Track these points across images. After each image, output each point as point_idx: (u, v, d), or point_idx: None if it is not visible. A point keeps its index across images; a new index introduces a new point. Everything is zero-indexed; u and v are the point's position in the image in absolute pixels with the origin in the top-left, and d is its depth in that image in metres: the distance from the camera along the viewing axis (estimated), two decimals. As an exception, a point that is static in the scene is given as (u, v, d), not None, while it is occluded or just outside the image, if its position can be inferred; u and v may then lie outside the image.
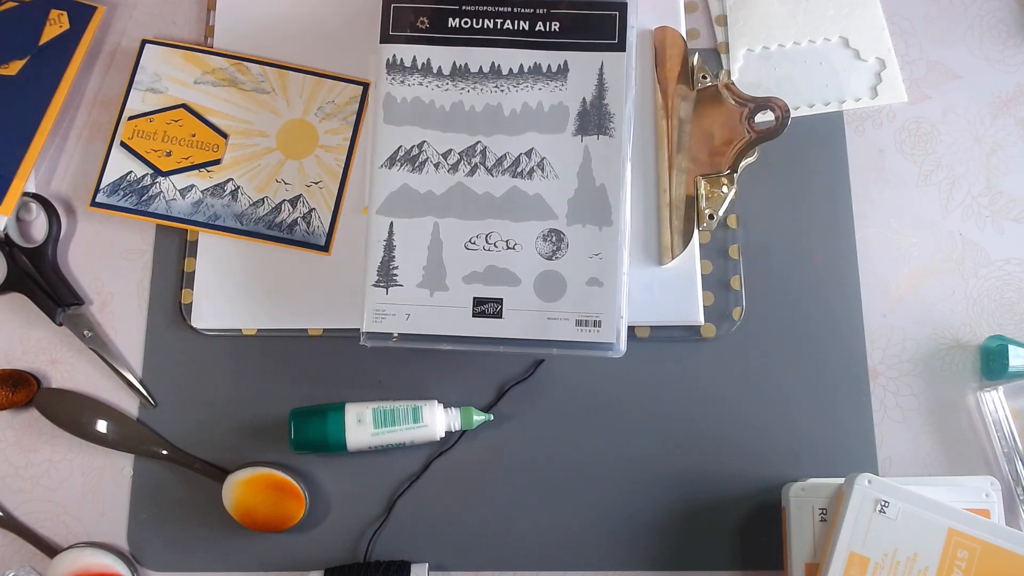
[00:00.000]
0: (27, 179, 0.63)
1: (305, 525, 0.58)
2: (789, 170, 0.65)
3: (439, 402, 0.59)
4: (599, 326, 0.55)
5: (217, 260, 0.63)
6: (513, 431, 0.60)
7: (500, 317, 0.55)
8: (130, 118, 0.64)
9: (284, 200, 0.63)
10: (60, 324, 0.61)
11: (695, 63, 0.64)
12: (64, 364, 0.62)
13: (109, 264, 0.64)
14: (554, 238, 0.55)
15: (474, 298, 0.55)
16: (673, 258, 0.61)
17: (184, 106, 0.64)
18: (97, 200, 0.63)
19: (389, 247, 0.56)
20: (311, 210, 0.62)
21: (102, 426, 0.60)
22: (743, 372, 0.62)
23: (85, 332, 0.61)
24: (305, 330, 0.62)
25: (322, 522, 0.59)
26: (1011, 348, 0.60)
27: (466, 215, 0.56)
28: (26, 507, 0.60)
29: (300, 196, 0.63)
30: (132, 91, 0.65)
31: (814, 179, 0.65)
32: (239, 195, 0.63)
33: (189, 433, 0.60)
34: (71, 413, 0.60)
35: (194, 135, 0.63)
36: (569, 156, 0.56)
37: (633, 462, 0.60)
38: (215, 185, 0.63)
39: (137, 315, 0.63)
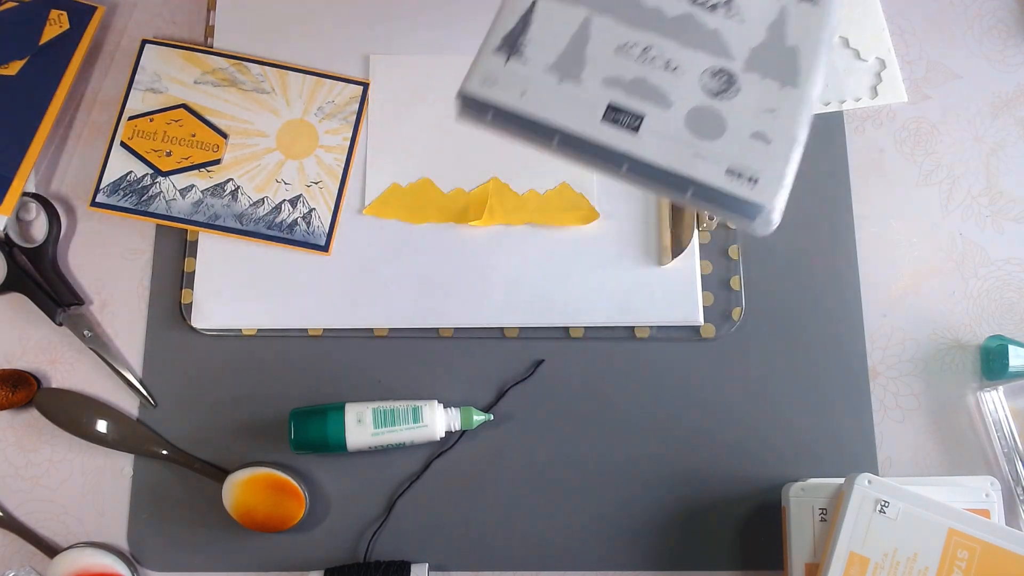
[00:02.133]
0: (27, 179, 0.63)
1: (305, 525, 0.58)
2: (789, 170, 0.65)
3: (439, 402, 0.59)
4: (755, 183, 0.44)
5: (217, 260, 0.63)
6: (513, 431, 0.60)
7: (636, 131, 0.44)
8: (130, 118, 0.64)
9: (284, 200, 0.63)
10: (60, 324, 0.61)
11: (695, 63, 0.64)
12: (64, 364, 0.62)
13: (109, 264, 0.64)
14: (724, 78, 0.45)
15: (610, 104, 0.44)
16: (673, 258, 0.61)
17: (184, 106, 0.64)
18: (97, 200, 0.63)
19: (525, 21, 0.46)
20: (311, 210, 0.62)
21: (102, 426, 0.60)
22: (743, 372, 0.62)
23: (85, 332, 0.61)
24: (305, 330, 0.62)
25: (322, 522, 0.59)
26: (1011, 348, 0.60)
27: (626, 20, 0.46)
28: (26, 507, 0.60)
29: (300, 196, 0.63)
30: (132, 91, 0.65)
31: (814, 179, 0.65)
32: (239, 195, 0.63)
33: (189, 433, 0.60)
34: (71, 413, 0.60)
35: (194, 135, 0.63)
36: (764, 6, 0.46)
37: (633, 462, 0.60)
38: (215, 185, 0.63)
39: (137, 315, 0.63)
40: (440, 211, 0.63)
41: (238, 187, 0.63)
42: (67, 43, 0.65)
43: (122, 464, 0.60)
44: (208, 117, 0.64)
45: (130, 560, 0.58)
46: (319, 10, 0.67)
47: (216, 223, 0.62)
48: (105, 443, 0.60)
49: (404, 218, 0.63)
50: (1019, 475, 0.59)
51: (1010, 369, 0.59)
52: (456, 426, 0.59)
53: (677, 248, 0.61)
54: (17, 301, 0.62)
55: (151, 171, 0.63)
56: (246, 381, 0.61)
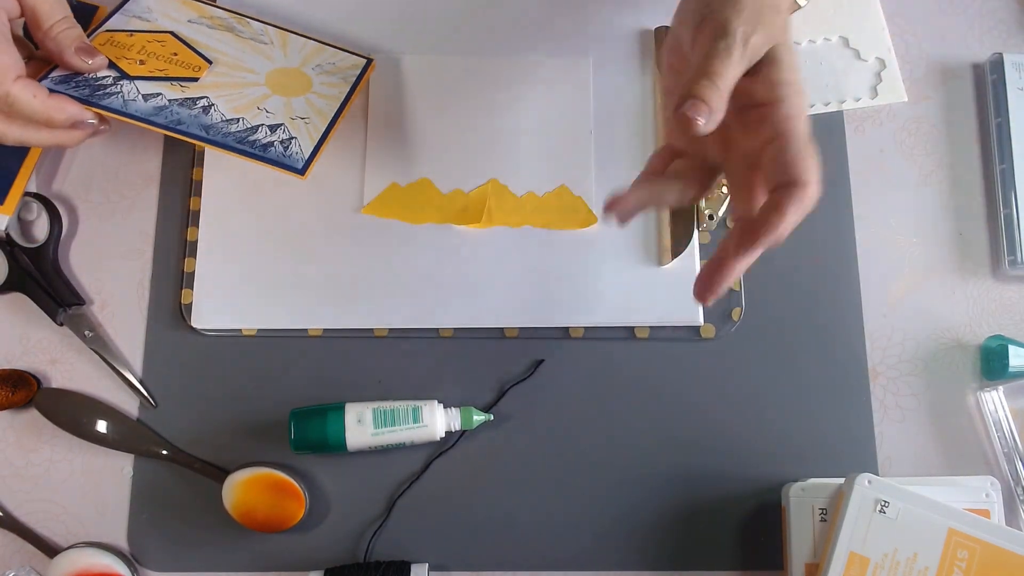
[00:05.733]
0: (28, 179, 0.63)
1: (305, 525, 0.58)
2: (789, 170, 0.65)
3: (439, 402, 0.59)
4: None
5: (217, 260, 0.63)
6: (513, 431, 0.60)
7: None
8: (108, 30, 0.59)
9: (263, 125, 0.57)
10: (61, 324, 0.61)
11: (695, 63, 0.64)
12: (64, 364, 0.62)
13: (109, 264, 0.64)
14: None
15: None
16: (673, 258, 0.61)
17: (172, 33, 0.60)
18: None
19: None
20: (291, 138, 0.57)
21: (102, 426, 0.60)
22: (743, 372, 0.62)
23: (86, 332, 0.61)
24: (305, 330, 0.62)
25: (322, 522, 0.59)
26: (1011, 348, 0.60)
27: None
28: (26, 507, 0.60)
29: (282, 125, 0.58)
30: (117, 15, 0.60)
31: (814, 179, 0.65)
32: (212, 111, 0.57)
33: (189, 433, 0.60)
34: (71, 413, 0.60)
35: (176, 54, 0.58)
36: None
37: (633, 462, 0.60)
38: (186, 98, 0.57)
39: (137, 315, 0.63)
40: (439, 212, 0.63)
41: (212, 104, 0.57)
42: (68, 43, 0.65)
43: (122, 464, 0.60)
44: (196, 47, 0.60)
45: (130, 560, 0.58)
46: (319, 9, 0.67)
47: (178, 128, 0.56)
48: (105, 443, 0.60)
49: (403, 218, 0.63)
50: (1019, 475, 0.59)
51: (1010, 369, 0.59)
52: (456, 426, 0.59)
53: (677, 248, 0.61)
54: (18, 301, 0.62)
55: (116, 73, 0.57)
56: (246, 381, 0.61)
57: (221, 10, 0.64)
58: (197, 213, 0.64)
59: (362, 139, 0.65)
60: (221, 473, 0.59)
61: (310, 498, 0.59)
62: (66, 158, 0.66)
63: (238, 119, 0.57)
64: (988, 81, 0.67)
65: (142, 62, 0.57)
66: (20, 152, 0.63)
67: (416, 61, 0.66)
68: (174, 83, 0.57)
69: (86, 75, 0.56)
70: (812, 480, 0.56)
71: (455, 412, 0.59)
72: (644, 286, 0.62)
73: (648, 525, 0.59)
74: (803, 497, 0.55)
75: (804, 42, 0.68)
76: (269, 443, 0.60)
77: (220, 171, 0.64)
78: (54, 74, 0.56)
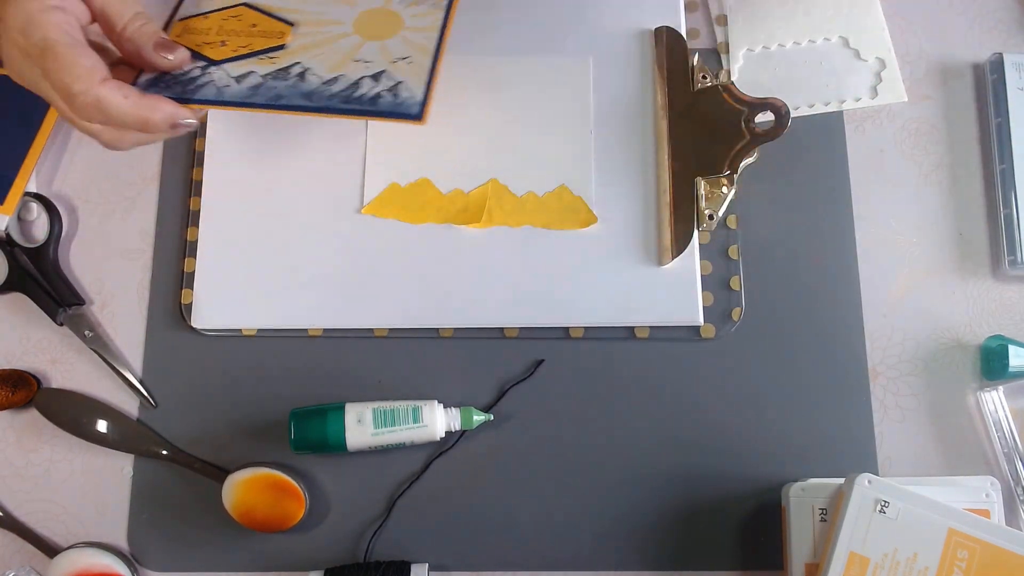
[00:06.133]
0: (28, 179, 0.63)
1: (305, 525, 0.58)
2: (789, 170, 0.65)
3: (439, 402, 0.59)
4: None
5: (217, 260, 0.63)
6: (513, 431, 0.60)
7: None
8: (180, 19, 0.56)
9: (364, 76, 0.53)
10: (61, 324, 0.61)
11: (695, 63, 0.64)
12: (64, 364, 0.62)
13: (109, 264, 0.64)
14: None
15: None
16: (673, 258, 0.61)
17: (245, 4, 0.56)
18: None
19: None
20: (398, 83, 0.53)
21: (102, 426, 0.60)
22: (743, 372, 0.62)
23: (86, 332, 0.61)
24: (305, 330, 0.62)
25: (322, 522, 0.59)
26: (1011, 348, 0.60)
27: None
28: (26, 507, 0.60)
29: (384, 71, 0.53)
30: (184, 5, 0.58)
31: (814, 179, 0.65)
32: (308, 76, 0.53)
33: (189, 433, 0.60)
34: (71, 413, 0.60)
35: (255, 26, 0.55)
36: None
37: (633, 462, 0.60)
38: (279, 69, 0.54)
39: (137, 315, 0.63)
40: (439, 212, 0.63)
41: (307, 68, 0.54)
42: (68, 43, 0.65)
43: (122, 464, 0.60)
44: (273, 12, 0.56)
45: (130, 560, 0.58)
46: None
47: (279, 103, 0.53)
48: (105, 443, 0.60)
49: (403, 218, 0.63)
50: (1019, 475, 0.59)
51: (1010, 369, 0.59)
52: (456, 426, 0.59)
53: (677, 248, 0.61)
54: (18, 301, 0.62)
55: (202, 62, 0.53)
56: (246, 381, 0.61)
57: None
58: (197, 213, 0.64)
59: (362, 139, 0.65)
60: (221, 473, 0.59)
61: (310, 498, 0.59)
62: (66, 158, 0.66)
63: (336, 77, 0.53)
64: (988, 81, 0.67)
65: (224, 43, 0.54)
66: (20, 152, 0.63)
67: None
68: (262, 56, 0.54)
69: (172, 72, 0.53)
70: (812, 480, 0.56)
71: (455, 412, 0.59)
72: (644, 286, 0.62)
73: (648, 525, 0.59)
74: (803, 497, 0.55)
75: (804, 42, 0.68)
76: (269, 443, 0.60)
77: (220, 171, 0.64)
78: (141, 79, 0.53)
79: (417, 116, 0.52)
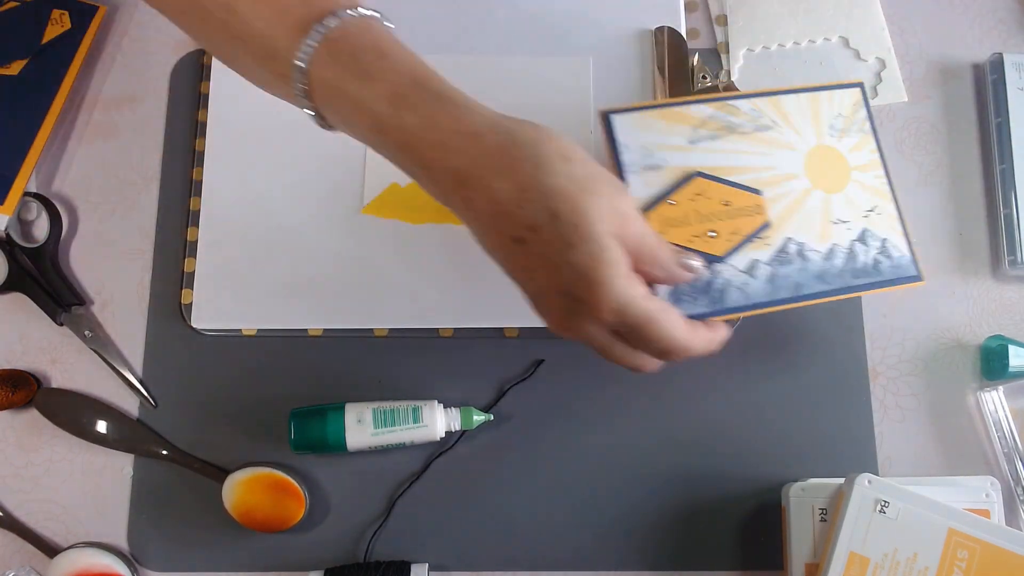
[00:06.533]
0: (28, 179, 0.63)
1: (305, 525, 0.58)
2: (789, 170, 0.65)
3: (439, 402, 0.59)
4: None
5: (217, 260, 0.63)
6: (513, 431, 0.60)
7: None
8: (646, 209, 0.51)
9: (852, 241, 0.53)
10: (61, 324, 0.61)
11: (695, 63, 0.64)
12: (64, 364, 0.62)
13: (109, 264, 0.64)
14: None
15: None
16: (673, 258, 0.61)
17: (699, 174, 0.52)
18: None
19: None
20: (883, 240, 0.53)
21: (102, 426, 0.60)
22: (743, 372, 0.61)
23: (86, 332, 0.61)
24: (305, 330, 0.62)
25: (322, 522, 0.59)
26: (1011, 348, 0.60)
27: None
28: (26, 507, 0.60)
29: (865, 231, 0.53)
30: (628, 176, 0.51)
31: (814, 179, 0.65)
32: (805, 252, 0.52)
33: (189, 433, 0.60)
34: (71, 413, 0.60)
35: (727, 203, 0.51)
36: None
37: (633, 462, 0.60)
38: (777, 252, 0.51)
39: (137, 315, 0.63)
40: (438, 212, 0.63)
41: (801, 244, 0.52)
42: (69, 43, 0.66)
43: (122, 464, 0.60)
44: (729, 177, 0.52)
45: (130, 560, 0.58)
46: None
47: (802, 293, 0.51)
48: (105, 443, 0.60)
49: (403, 218, 0.63)
50: (1019, 475, 0.59)
51: (1010, 369, 0.59)
52: (456, 426, 0.59)
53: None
54: (18, 301, 0.62)
55: (706, 260, 0.50)
56: (246, 381, 0.61)
57: (700, 105, 0.53)
58: (197, 213, 0.64)
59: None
60: (221, 473, 0.59)
61: (310, 498, 0.59)
62: (66, 158, 0.66)
63: (831, 249, 0.51)
64: (988, 81, 0.67)
65: (714, 233, 0.50)
66: (20, 152, 0.63)
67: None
68: (755, 239, 0.51)
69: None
70: (812, 480, 0.56)
71: (455, 412, 0.59)
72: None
73: (648, 525, 0.59)
74: (803, 497, 0.55)
75: (804, 42, 0.68)
76: (269, 443, 0.60)
77: (220, 171, 0.64)
78: (659, 293, 0.49)
79: (917, 277, 0.53)
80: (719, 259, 0.50)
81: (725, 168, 0.52)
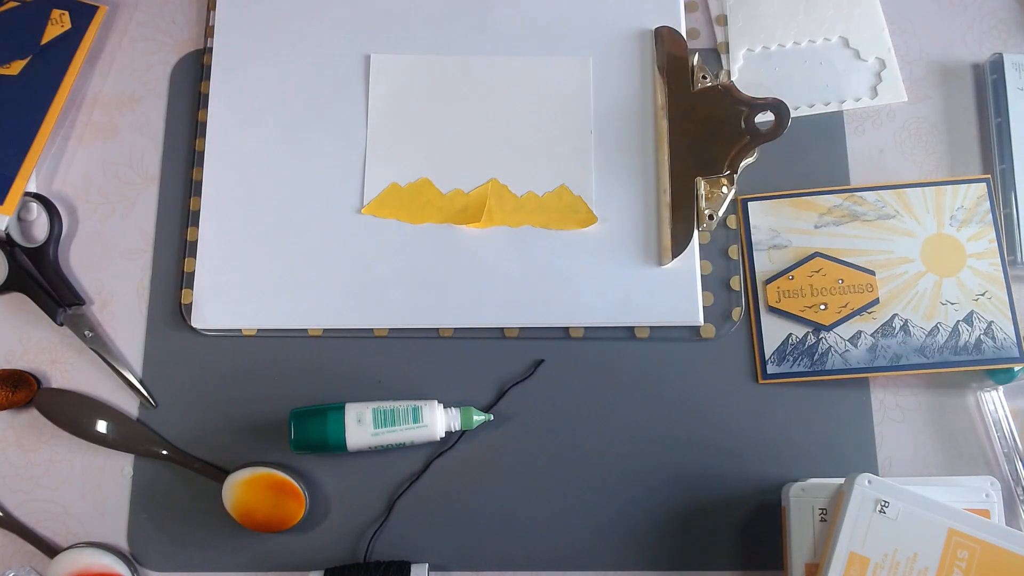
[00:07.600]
0: (29, 179, 0.63)
1: (305, 525, 0.58)
2: (789, 170, 0.65)
3: (439, 402, 0.59)
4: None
5: (217, 260, 0.63)
6: (513, 431, 0.60)
7: None
8: (766, 282, 0.61)
9: (958, 321, 0.59)
10: (61, 324, 0.61)
11: (695, 63, 0.64)
12: (64, 364, 0.62)
13: (109, 264, 0.64)
14: None
15: None
16: (673, 258, 0.61)
17: (818, 254, 0.60)
18: (768, 372, 0.60)
19: None
20: (989, 323, 0.59)
21: (102, 426, 0.60)
22: (743, 372, 0.61)
23: (86, 332, 0.61)
24: (305, 330, 0.62)
25: (322, 522, 0.59)
26: (1011, 348, 0.59)
27: None
28: (26, 507, 0.60)
29: (972, 312, 0.59)
30: (755, 252, 0.62)
31: (814, 179, 0.65)
32: (910, 328, 0.59)
33: (189, 433, 0.60)
34: (71, 413, 0.60)
35: (841, 280, 0.59)
36: None
37: (633, 462, 0.60)
38: (882, 325, 0.59)
39: (137, 315, 0.63)
40: (438, 212, 0.63)
41: (906, 320, 0.59)
42: (69, 43, 0.66)
43: (122, 464, 0.60)
44: (846, 259, 0.60)
45: (130, 560, 0.58)
46: (320, 8, 0.67)
47: (900, 363, 0.59)
48: (105, 443, 0.60)
49: (403, 218, 0.63)
50: (1019, 475, 0.59)
51: (1016, 372, 0.59)
52: (456, 426, 0.59)
53: (677, 248, 0.61)
54: (18, 301, 0.62)
55: (812, 328, 0.60)
56: (246, 381, 0.61)
57: (829, 196, 0.62)
58: (197, 213, 0.64)
59: (362, 139, 0.65)
60: (221, 473, 0.59)
61: (310, 498, 0.59)
62: (66, 158, 0.66)
63: (936, 326, 0.57)
64: (988, 81, 0.67)
65: (824, 306, 0.59)
66: (20, 152, 0.63)
67: (416, 61, 0.66)
68: (863, 314, 0.58)
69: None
70: (812, 480, 0.56)
71: (455, 412, 0.59)
72: (644, 286, 0.62)
73: (648, 525, 0.59)
74: (803, 497, 0.55)
75: (804, 42, 0.68)
76: (269, 443, 0.60)
77: (220, 171, 0.64)
78: (768, 355, 0.59)
79: (1020, 359, 0.59)
80: (825, 327, 0.59)
81: (844, 250, 0.60)
